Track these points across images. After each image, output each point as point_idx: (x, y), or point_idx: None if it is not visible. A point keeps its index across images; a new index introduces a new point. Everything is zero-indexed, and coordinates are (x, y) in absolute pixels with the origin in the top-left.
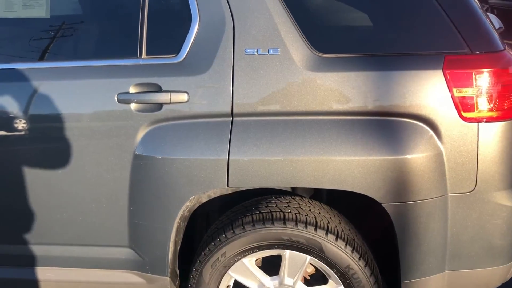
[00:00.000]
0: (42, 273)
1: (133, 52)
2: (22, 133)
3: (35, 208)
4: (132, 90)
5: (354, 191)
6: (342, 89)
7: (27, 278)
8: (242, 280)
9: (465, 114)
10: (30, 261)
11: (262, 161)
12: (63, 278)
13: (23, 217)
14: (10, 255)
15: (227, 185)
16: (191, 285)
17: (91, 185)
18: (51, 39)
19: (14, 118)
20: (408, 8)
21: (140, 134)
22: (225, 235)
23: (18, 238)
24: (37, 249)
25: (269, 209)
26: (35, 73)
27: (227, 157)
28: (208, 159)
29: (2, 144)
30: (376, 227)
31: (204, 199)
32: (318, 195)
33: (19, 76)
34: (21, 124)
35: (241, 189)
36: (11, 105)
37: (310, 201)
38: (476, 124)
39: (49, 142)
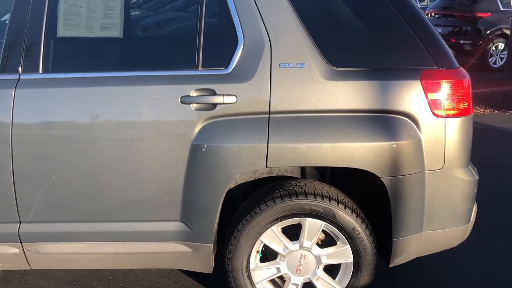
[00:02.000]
0: (104, 247)
1: (191, 65)
2: (106, 127)
3: (106, 190)
4: (193, 93)
5: (361, 169)
6: (351, 93)
7: (90, 252)
8: (270, 244)
9: (436, 112)
10: (93, 236)
11: (292, 147)
12: (121, 250)
13: (99, 199)
14: (80, 232)
15: (266, 166)
16: (229, 251)
17: (152, 169)
18: (128, 54)
19: (100, 116)
20: (396, 36)
21: (197, 128)
22: (259, 207)
23: (89, 217)
24: (101, 226)
25: (292, 187)
26: (115, 80)
27: (266, 144)
28: (252, 146)
29: (90, 138)
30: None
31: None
32: (322, 178)
33: (104, 82)
34: (105, 120)
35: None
36: (100, 106)
37: (319, 182)
38: (444, 119)
39: (123, 132)
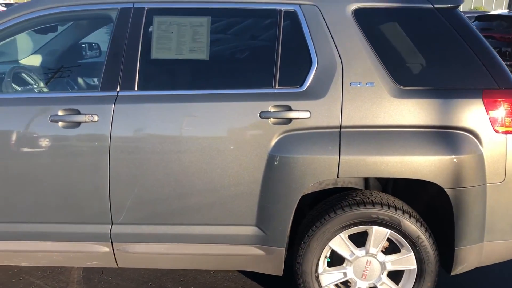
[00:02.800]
0: (185, 248)
1: (269, 84)
2: (193, 138)
3: (191, 195)
4: (271, 109)
5: (427, 180)
6: (417, 110)
7: (172, 252)
8: (338, 250)
9: (497, 128)
10: (176, 238)
11: (362, 159)
12: (200, 252)
13: (183, 204)
14: (165, 233)
15: (337, 176)
16: (299, 255)
17: (232, 177)
18: (212, 74)
19: (188, 129)
20: (459, 58)
21: (274, 140)
22: (329, 215)
23: (174, 219)
24: (184, 229)
25: (359, 197)
26: (201, 97)
27: (338, 156)
28: (325, 157)
29: (178, 148)
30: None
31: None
32: (385, 190)
33: (191, 99)
34: (192, 132)
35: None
36: (188, 120)
37: (383, 193)
38: (505, 135)
39: (207, 143)
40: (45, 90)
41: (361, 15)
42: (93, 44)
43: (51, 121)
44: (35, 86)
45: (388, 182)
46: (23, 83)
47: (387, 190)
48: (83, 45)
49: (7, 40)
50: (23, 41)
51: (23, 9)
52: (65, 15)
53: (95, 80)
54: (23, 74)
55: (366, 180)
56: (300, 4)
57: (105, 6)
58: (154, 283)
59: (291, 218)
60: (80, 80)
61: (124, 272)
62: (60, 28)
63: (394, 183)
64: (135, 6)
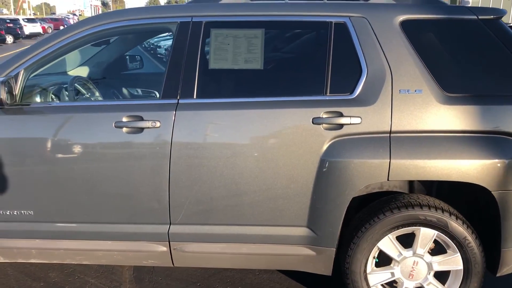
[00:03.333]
0: (239, 247)
1: (321, 91)
2: (248, 143)
3: (246, 197)
4: (323, 115)
5: (475, 183)
6: (463, 116)
7: (227, 252)
8: (387, 251)
9: None
10: (231, 238)
11: (412, 163)
12: (253, 251)
13: (239, 205)
14: (220, 233)
15: (387, 179)
16: (349, 255)
17: (285, 180)
18: (266, 83)
19: (244, 134)
20: (503, 66)
21: (326, 145)
22: (378, 217)
23: (229, 220)
24: (239, 229)
25: (407, 200)
26: (257, 104)
27: (388, 160)
28: (376, 161)
29: (235, 152)
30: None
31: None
32: (429, 193)
33: (247, 106)
34: (248, 137)
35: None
36: (244, 125)
37: (429, 196)
38: None
39: (262, 147)
40: (100, 98)
41: (408, 26)
42: (136, 56)
43: (116, 127)
44: (95, 95)
45: (432, 185)
46: (83, 92)
47: (431, 193)
48: (127, 57)
49: (72, 52)
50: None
51: (89, 23)
52: (128, 29)
53: (139, 90)
54: (83, 84)
55: (411, 183)
56: (349, 16)
57: (166, 20)
58: (202, 284)
59: (342, 219)
60: (127, 90)
61: (173, 273)
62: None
63: (438, 186)
64: (193, 20)
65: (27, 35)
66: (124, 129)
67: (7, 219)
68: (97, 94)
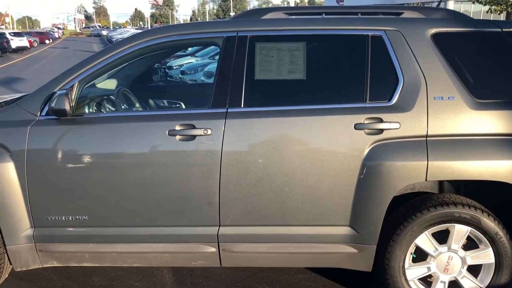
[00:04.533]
0: (285, 247)
1: (361, 99)
2: (293, 147)
3: (292, 199)
4: (364, 121)
5: (505, 182)
6: (493, 120)
7: (273, 252)
8: (423, 247)
9: None
10: (277, 238)
11: (448, 164)
12: (298, 251)
13: (285, 206)
14: (267, 234)
15: (425, 179)
16: (388, 252)
17: (329, 182)
18: (309, 92)
19: (289, 139)
20: None
21: (367, 148)
22: (415, 215)
23: (276, 221)
24: (285, 229)
25: (441, 199)
26: (301, 112)
27: (426, 162)
28: (414, 163)
29: (282, 156)
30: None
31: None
32: (457, 192)
33: (292, 114)
34: (293, 142)
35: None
36: (289, 132)
37: (458, 195)
38: None
39: (307, 152)
40: (140, 108)
41: (439, 38)
42: (159, 70)
43: (169, 135)
44: (136, 106)
45: (460, 185)
46: (129, 102)
47: (459, 193)
48: (154, 69)
49: (124, 65)
50: None
51: (141, 38)
52: (177, 43)
53: (165, 101)
54: (126, 95)
55: (440, 184)
56: (385, 30)
57: (213, 35)
58: (242, 284)
59: (383, 218)
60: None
61: (211, 275)
62: None
63: (466, 186)
64: (239, 35)
65: (13, 49)
66: (177, 137)
67: (62, 225)
68: (137, 105)
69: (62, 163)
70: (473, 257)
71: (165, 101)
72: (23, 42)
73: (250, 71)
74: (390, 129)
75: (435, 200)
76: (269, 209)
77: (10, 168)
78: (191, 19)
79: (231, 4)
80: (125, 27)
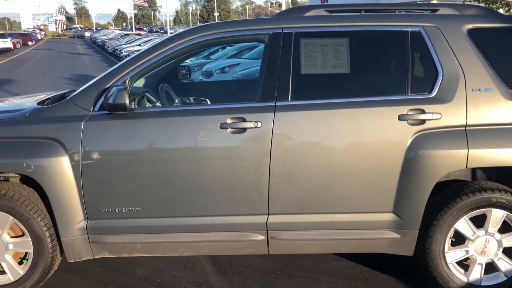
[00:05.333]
0: (331, 234)
1: (403, 92)
2: (340, 138)
3: (338, 187)
4: (408, 112)
5: None
6: None
7: (320, 238)
8: (462, 231)
9: None
10: (324, 225)
11: (487, 151)
12: (343, 237)
13: (331, 195)
14: (314, 222)
15: (466, 166)
16: (429, 236)
17: (373, 171)
18: (354, 85)
19: (335, 130)
20: None
21: (410, 138)
22: (455, 201)
23: (322, 209)
24: (331, 217)
25: (478, 185)
26: (346, 104)
27: (467, 150)
28: (456, 151)
29: (329, 147)
30: None
31: None
32: (489, 179)
33: (338, 106)
34: (339, 133)
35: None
36: (335, 123)
37: (493, 182)
38: None
39: (352, 142)
40: (179, 104)
41: (474, 34)
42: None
43: (221, 127)
44: (175, 101)
45: (492, 172)
46: (172, 98)
47: (491, 180)
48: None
49: (171, 62)
50: None
51: (189, 35)
52: (224, 39)
53: (191, 99)
54: (167, 91)
55: (473, 172)
56: (423, 26)
57: (259, 31)
58: (282, 272)
59: (425, 204)
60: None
61: (251, 264)
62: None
63: (497, 173)
64: (284, 31)
65: None
66: (229, 130)
67: (115, 217)
68: (176, 100)
69: (117, 156)
70: (509, 240)
71: (191, 99)
72: (7, 43)
73: (296, 66)
74: (432, 119)
75: (473, 186)
76: (316, 197)
77: (65, 162)
78: (174, 20)
79: (215, 4)
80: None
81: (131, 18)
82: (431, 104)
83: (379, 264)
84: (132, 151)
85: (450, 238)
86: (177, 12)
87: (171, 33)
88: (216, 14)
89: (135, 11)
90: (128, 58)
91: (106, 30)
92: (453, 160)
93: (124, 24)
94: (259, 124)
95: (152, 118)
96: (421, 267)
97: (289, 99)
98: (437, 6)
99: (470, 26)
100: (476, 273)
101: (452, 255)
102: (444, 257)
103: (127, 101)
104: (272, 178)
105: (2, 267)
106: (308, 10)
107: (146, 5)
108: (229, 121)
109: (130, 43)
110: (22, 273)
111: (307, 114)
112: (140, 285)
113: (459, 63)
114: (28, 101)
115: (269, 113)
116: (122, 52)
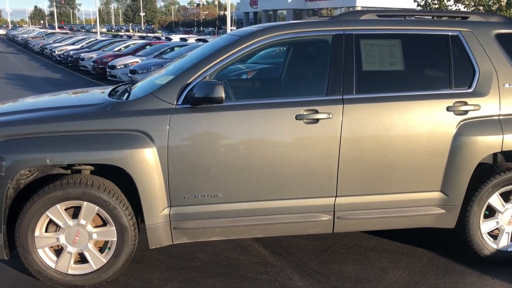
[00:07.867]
0: (387, 212)
1: (447, 86)
2: (393, 128)
3: (390, 171)
4: (454, 104)
5: None
6: None
7: (379, 216)
8: (494, 205)
9: None
10: (383, 205)
11: None
12: (398, 214)
13: (386, 178)
14: (372, 202)
15: (501, 150)
16: (468, 211)
17: (424, 155)
18: (404, 79)
19: (391, 121)
20: None
21: (456, 126)
22: (489, 179)
23: (379, 190)
24: (389, 197)
25: (506, 166)
26: (401, 97)
27: (502, 136)
28: (493, 137)
29: (387, 132)
30: None
31: None
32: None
33: (395, 99)
34: (393, 124)
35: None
36: (390, 115)
37: None
38: None
39: (404, 130)
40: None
41: (501, 37)
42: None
43: (297, 119)
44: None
45: (510, 156)
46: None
47: (509, 162)
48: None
49: (242, 60)
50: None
51: (264, 34)
52: (289, 40)
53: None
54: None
55: (494, 156)
56: (460, 31)
57: (323, 33)
58: (331, 250)
59: (468, 182)
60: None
61: (300, 245)
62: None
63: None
64: (345, 33)
65: None
66: (304, 120)
67: (197, 203)
68: (241, 94)
69: (201, 146)
70: None
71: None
72: None
73: (358, 63)
74: (473, 110)
75: (502, 167)
76: (378, 180)
77: (153, 153)
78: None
79: (141, 4)
80: (22, 26)
81: (48, 15)
82: (472, 97)
83: (410, 240)
84: (214, 141)
85: (484, 211)
86: (99, 10)
87: (231, 29)
88: (142, 14)
89: (52, 9)
90: (203, 56)
91: (26, 27)
92: (491, 144)
93: (42, 22)
94: (331, 115)
95: (233, 110)
96: (459, 237)
97: (354, 93)
98: (467, 13)
99: (497, 31)
100: (504, 241)
101: (486, 226)
102: (479, 228)
103: (223, 95)
104: (341, 164)
105: (83, 256)
106: (362, 14)
107: (62, 2)
108: (304, 112)
109: (60, 42)
110: (104, 261)
111: (370, 106)
112: (209, 268)
113: (492, 62)
114: (84, 96)
115: (338, 105)
116: (54, 52)
